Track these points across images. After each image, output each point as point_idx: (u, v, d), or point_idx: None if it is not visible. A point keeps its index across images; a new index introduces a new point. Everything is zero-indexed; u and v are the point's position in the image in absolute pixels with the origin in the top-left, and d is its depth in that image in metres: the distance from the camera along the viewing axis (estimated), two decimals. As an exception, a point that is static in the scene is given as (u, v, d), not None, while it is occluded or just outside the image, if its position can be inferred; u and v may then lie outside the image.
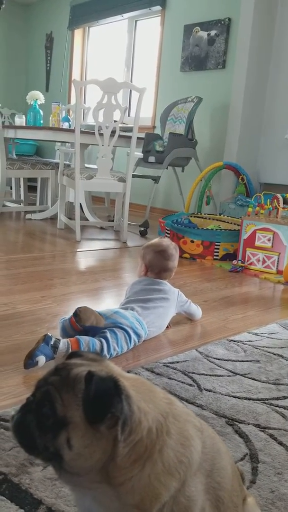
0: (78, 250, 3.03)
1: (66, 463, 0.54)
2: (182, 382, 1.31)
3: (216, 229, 3.06)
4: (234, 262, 2.83)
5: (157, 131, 4.73)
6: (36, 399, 0.57)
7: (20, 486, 0.85)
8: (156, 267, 1.73)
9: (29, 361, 1.31)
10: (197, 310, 1.83)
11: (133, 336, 1.49)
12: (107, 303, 2.01)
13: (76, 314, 1.46)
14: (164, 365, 1.41)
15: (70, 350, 1.35)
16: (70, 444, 0.53)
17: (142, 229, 3.75)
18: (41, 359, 1.31)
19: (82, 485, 0.58)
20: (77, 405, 0.54)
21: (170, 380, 1.32)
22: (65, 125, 4.06)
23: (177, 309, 1.74)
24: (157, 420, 0.58)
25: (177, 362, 1.44)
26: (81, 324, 1.45)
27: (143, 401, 0.58)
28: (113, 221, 4.02)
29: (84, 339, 1.39)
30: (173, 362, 1.43)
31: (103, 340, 1.41)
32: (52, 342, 1.34)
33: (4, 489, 0.84)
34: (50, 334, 1.36)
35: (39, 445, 0.55)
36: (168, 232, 3.11)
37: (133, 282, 1.78)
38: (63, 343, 1.36)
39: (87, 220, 3.80)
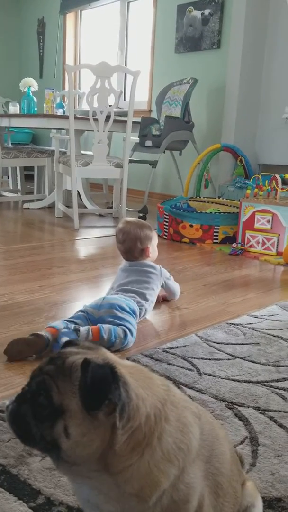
0: (76, 238, 3.01)
1: (63, 452, 0.54)
2: (182, 367, 1.31)
3: (215, 213, 3.03)
4: (234, 245, 2.81)
5: (154, 114, 4.67)
6: (31, 388, 0.57)
7: (18, 477, 0.85)
8: (121, 252, 1.77)
9: (55, 344, 1.33)
10: (178, 288, 1.84)
11: (132, 313, 1.51)
12: (106, 290, 1.99)
13: (6, 350, 1.32)
14: (163, 351, 1.40)
15: (90, 335, 1.37)
16: (67, 433, 0.53)
17: (141, 215, 3.72)
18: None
19: (81, 474, 0.57)
20: (74, 393, 0.54)
21: (170, 366, 1.31)
22: (60, 112, 4.00)
23: (161, 283, 1.74)
24: (155, 406, 0.57)
25: (176, 347, 1.44)
26: (13, 360, 1.32)
27: (141, 388, 0.57)
28: (111, 207, 3.99)
29: (105, 326, 1.40)
30: (172, 348, 1.43)
31: (125, 328, 1.41)
32: (72, 327, 1.37)
33: (2, 481, 0.84)
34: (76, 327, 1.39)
35: (35, 435, 0.55)
36: (167, 217, 3.09)
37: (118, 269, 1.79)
38: (84, 328, 1.38)
39: (85, 207, 3.78)
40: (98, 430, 0.54)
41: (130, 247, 1.72)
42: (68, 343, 0.63)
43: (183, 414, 0.60)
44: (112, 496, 0.57)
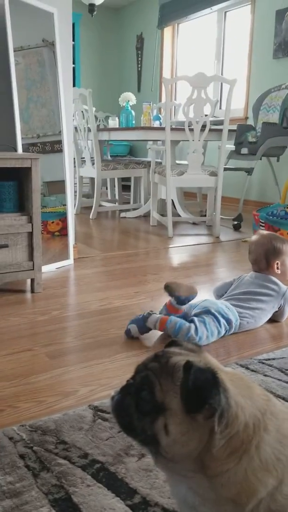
0: (170, 246, 3.05)
1: (162, 448, 0.56)
2: (279, 379, 1.26)
3: (315, 221, 2.88)
4: None
5: (250, 121, 4.59)
6: (135, 382, 0.59)
7: (116, 475, 0.88)
8: (250, 263, 1.78)
9: (125, 329, 1.54)
10: (286, 315, 1.72)
11: (222, 320, 1.49)
12: (200, 298, 1.99)
13: (167, 286, 1.54)
14: (259, 362, 1.37)
15: (158, 324, 1.48)
16: (167, 430, 0.55)
17: (236, 223, 3.66)
18: (133, 328, 1.51)
19: (178, 472, 0.59)
20: (175, 392, 0.55)
21: (266, 377, 1.27)
22: (156, 124, 4.10)
23: (279, 304, 1.67)
24: (255, 416, 0.57)
25: (273, 359, 1.39)
26: (175, 294, 1.52)
27: (241, 396, 0.58)
28: (205, 216, 3.98)
29: (173, 319, 1.47)
30: (269, 359, 1.39)
31: (192, 325, 1.45)
32: (145, 314, 1.51)
33: (101, 477, 0.87)
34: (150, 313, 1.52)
35: (137, 427, 0.58)
36: (263, 225, 3.01)
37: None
38: (155, 316, 1.49)
39: (179, 216, 3.82)
40: (197, 431, 0.55)
41: (256, 259, 1.73)
42: (172, 343, 0.65)
43: (284, 426, 0.59)
44: (208, 498, 0.57)
